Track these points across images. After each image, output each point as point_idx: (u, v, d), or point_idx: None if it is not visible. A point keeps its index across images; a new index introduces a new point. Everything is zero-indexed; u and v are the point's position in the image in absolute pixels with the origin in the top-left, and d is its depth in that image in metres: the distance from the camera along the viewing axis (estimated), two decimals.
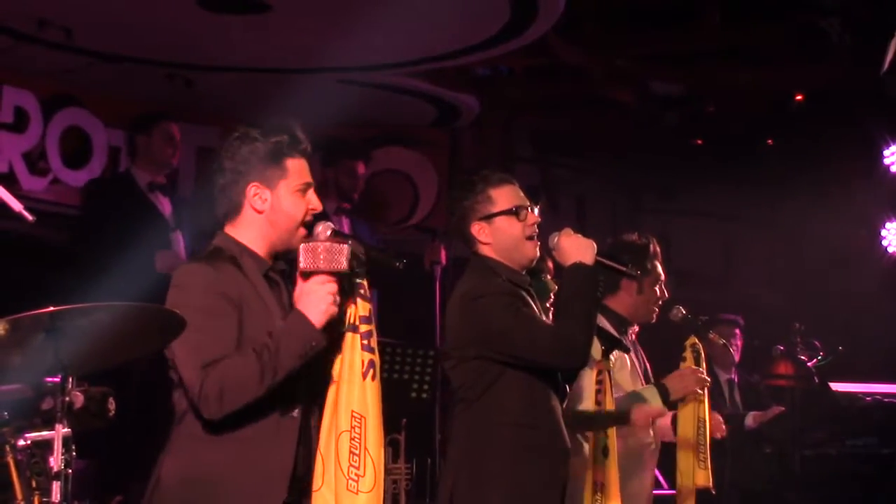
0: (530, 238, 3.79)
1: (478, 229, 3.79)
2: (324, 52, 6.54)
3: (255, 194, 3.17)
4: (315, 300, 3.00)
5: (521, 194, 3.84)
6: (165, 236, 6.14)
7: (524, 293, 3.80)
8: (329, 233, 3.13)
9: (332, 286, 3.02)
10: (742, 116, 8.48)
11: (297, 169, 3.19)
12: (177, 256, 5.98)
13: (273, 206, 3.17)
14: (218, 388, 2.96)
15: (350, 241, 3.10)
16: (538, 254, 3.84)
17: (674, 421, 4.66)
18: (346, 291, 3.07)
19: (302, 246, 3.02)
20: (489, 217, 3.78)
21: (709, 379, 4.57)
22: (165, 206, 6.27)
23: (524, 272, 3.86)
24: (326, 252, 3.00)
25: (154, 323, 3.05)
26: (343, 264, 3.00)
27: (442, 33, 6.47)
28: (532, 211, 3.81)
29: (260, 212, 3.17)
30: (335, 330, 3.07)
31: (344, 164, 6.89)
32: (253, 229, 3.18)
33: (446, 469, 3.79)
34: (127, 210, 6.08)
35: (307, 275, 3.03)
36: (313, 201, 3.20)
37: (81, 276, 5.47)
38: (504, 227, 3.78)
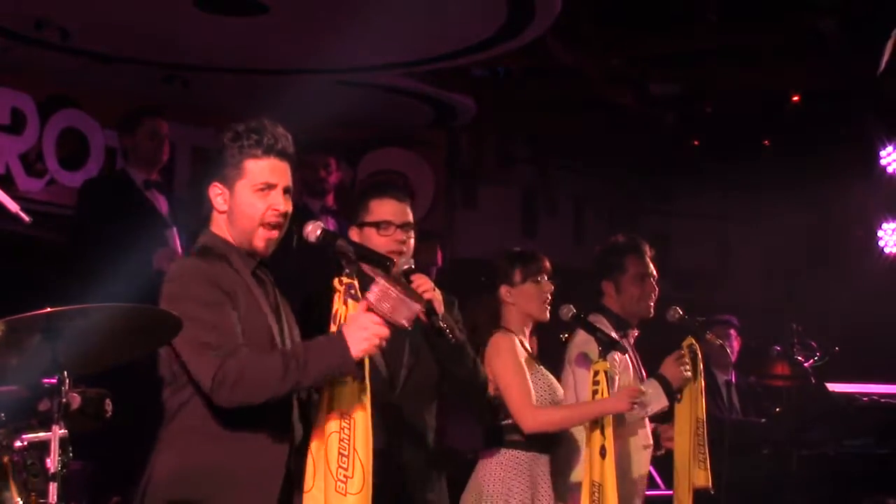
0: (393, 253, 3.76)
1: (354, 234, 3.88)
2: (321, 53, 6.54)
3: (218, 194, 3.20)
4: (363, 335, 2.97)
5: (405, 212, 3.90)
6: (163, 234, 6.10)
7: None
8: (319, 232, 3.12)
9: (385, 331, 2.98)
10: (739, 117, 8.48)
11: (258, 169, 3.17)
12: (174, 253, 5.94)
13: (230, 207, 3.19)
14: (236, 375, 2.95)
15: (340, 241, 3.10)
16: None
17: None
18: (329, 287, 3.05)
19: (381, 280, 2.98)
20: (361, 225, 3.89)
21: (688, 362, 4.58)
22: (162, 203, 6.19)
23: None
24: (396, 302, 2.96)
25: (151, 323, 3.05)
26: (403, 322, 2.97)
27: (439, 34, 6.47)
28: (402, 229, 3.85)
29: (222, 212, 3.21)
30: (324, 325, 3.07)
31: (305, 159, 6.82)
32: (222, 228, 3.22)
33: None
34: (124, 209, 6.01)
35: (370, 308, 2.98)
36: (275, 201, 3.17)
37: (78, 276, 5.45)
38: (371, 238, 3.83)
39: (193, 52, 6.75)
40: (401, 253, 3.80)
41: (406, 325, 2.99)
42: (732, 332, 7.15)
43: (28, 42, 6.39)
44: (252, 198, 3.16)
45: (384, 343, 3.00)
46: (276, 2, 6.01)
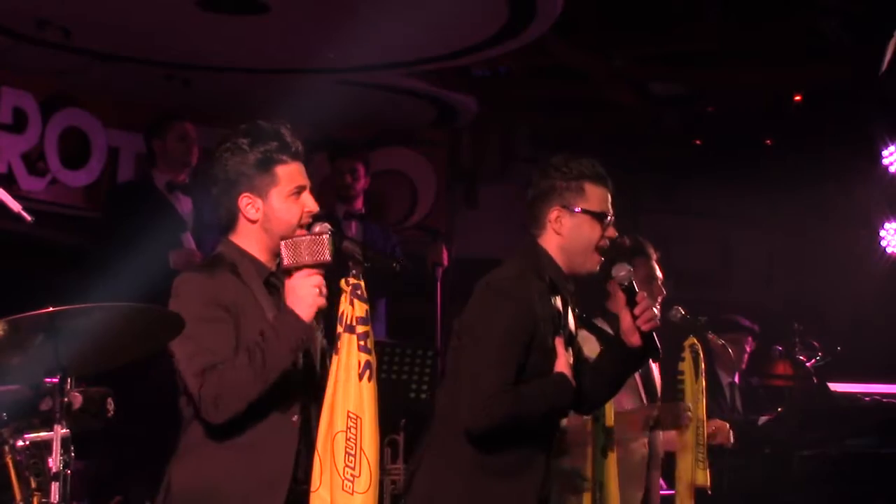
0: (598, 250, 3.59)
1: (556, 216, 3.58)
2: (322, 52, 6.54)
3: (248, 204, 3.18)
4: (301, 295, 3.02)
5: (610, 202, 3.61)
6: (178, 235, 6.14)
7: (557, 304, 3.56)
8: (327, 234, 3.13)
9: (318, 279, 3.03)
10: (741, 116, 8.48)
11: (288, 174, 3.18)
12: (191, 253, 5.99)
13: (266, 215, 3.18)
14: (214, 393, 2.98)
15: (346, 242, 3.12)
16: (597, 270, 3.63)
17: None
18: (336, 289, 3.06)
19: (283, 243, 3.05)
20: (570, 208, 3.55)
21: (690, 418, 4.59)
22: (185, 205, 6.27)
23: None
24: (308, 245, 3.02)
25: (153, 323, 3.05)
26: (326, 256, 3.02)
27: (441, 34, 6.46)
28: (613, 226, 3.60)
29: (253, 221, 3.18)
30: (328, 325, 3.09)
31: (335, 164, 6.88)
32: (250, 237, 3.20)
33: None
34: (144, 212, 6.10)
35: (291, 271, 3.04)
36: (308, 203, 3.20)
37: (85, 276, 5.46)
38: (584, 227, 3.58)
39: (195, 51, 6.75)
40: (607, 249, 3.58)
41: (329, 259, 3.02)
42: (750, 338, 7.13)
43: (30, 41, 6.39)
44: (287, 203, 3.18)
45: (325, 290, 3.03)
46: (278, 1, 6.01)
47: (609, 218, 3.58)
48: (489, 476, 3.41)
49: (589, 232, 3.55)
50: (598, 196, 3.59)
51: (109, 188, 6.94)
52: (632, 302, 3.49)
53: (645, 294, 3.54)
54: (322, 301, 3.04)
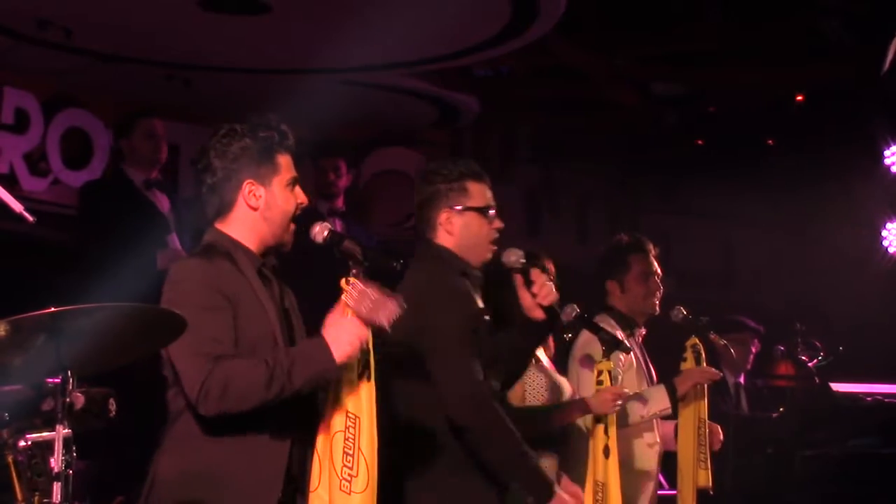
0: (491, 242, 3.76)
1: (446, 218, 3.72)
2: (324, 52, 6.54)
3: (250, 191, 3.17)
4: (345, 338, 2.98)
5: (490, 195, 3.80)
6: (165, 233, 6.10)
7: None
8: (326, 233, 3.12)
9: (366, 332, 2.99)
10: (743, 116, 8.49)
11: (287, 164, 3.21)
12: (177, 254, 5.95)
13: (267, 203, 3.18)
14: (222, 385, 2.95)
15: (347, 242, 3.10)
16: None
17: (676, 430, 4.70)
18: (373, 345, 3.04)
19: (357, 281, 2.99)
20: (453, 209, 3.71)
21: (719, 374, 4.63)
22: (164, 202, 6.21)
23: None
24: (374, 303, 2.97)
25: (156, 323, 3.04)
26: (383, 321, 2.97)
27: (443, 34, 6.47)
28: (498, 218, 3.78)
29: (254, 208, 3.18)
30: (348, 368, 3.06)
31: (318, 162, 6.86)
32: (245, 226, 3.18)
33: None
34: (125, 209, 6.04)
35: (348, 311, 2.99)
36: (300, 195, 3.22)
37: (82, 276, 5.45)
38: (473, 224, 3.72)
39: (196, 51, 6.76)
40: (495, 241, 3.75)
41: (385, 325, 2.99)
42: (756, 340, 7.12)
43: (31, 41, 6.40)
44: (285, 192, 3.20)
45: (365, 345, 3.00)
46: (279, 1, 6.01)
47: (492, 210, 3.76)
48: (470, 470, 3.51)
49: (478, 227, 3.73)
50: (479, 192, 3.76)
51: (84, 185, 6.66)
52: (528, 282, 3.68)
53: (539, 271, 3.72)
54: (357, 354, 3.00)
